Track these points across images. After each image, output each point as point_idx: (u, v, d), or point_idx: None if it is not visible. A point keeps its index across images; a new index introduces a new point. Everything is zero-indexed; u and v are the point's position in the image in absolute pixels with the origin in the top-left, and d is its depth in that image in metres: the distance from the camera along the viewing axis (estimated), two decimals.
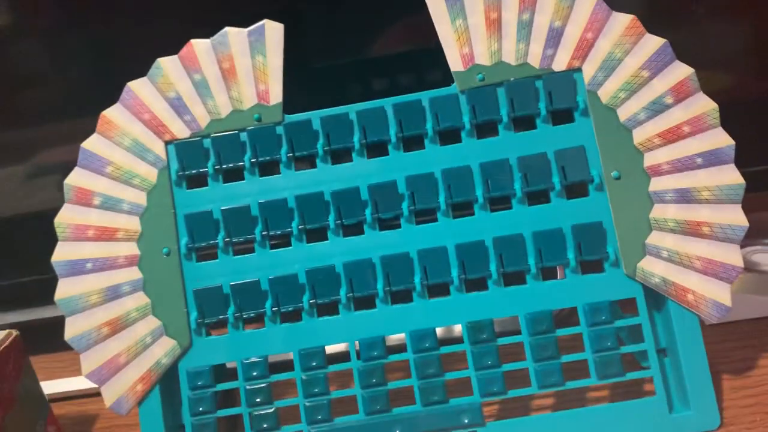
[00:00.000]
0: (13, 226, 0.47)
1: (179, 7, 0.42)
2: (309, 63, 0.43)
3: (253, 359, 0.34)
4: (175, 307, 0.35)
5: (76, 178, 0.35)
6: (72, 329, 0.35)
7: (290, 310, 0.34)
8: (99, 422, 0.42)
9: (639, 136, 0.33)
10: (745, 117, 0.38)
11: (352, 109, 0.35)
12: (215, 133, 0.35)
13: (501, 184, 0.34)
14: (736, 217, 0.33)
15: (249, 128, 0.35)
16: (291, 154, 0.35)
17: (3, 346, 0.35)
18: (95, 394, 0.44)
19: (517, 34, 0.34)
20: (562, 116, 0.34)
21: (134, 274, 0.35)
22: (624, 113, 0.33)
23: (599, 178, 0.33)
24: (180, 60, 0.35)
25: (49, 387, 0.43)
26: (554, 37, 0.34)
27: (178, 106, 0.35)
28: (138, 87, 0.35)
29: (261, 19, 0.35)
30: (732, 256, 0.33)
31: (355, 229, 0.35)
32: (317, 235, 0.35)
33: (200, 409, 0.34)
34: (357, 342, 0.34)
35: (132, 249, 0.35)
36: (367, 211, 0.34)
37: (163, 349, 0.34)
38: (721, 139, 0.33)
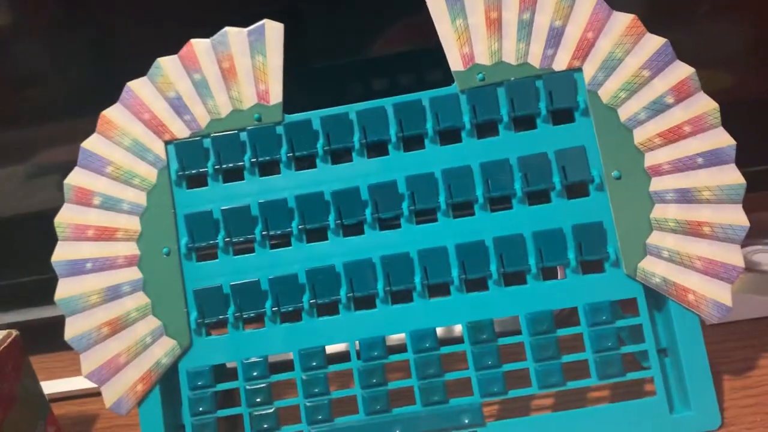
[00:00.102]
0: (13, 225, 0.47)
1: (178, 6, 0.42)
2: (309, 63, 0.43)
3: (253, 359, 0.34)
4: (175, 307, 0.34)
5: (76, 178, 0.35)
6: (72, 329, 0.35)
7: (290, 310, 0.34)
8: (99, 422, 0.42)
9: (640, 135, 0.33)
10: (746, 117, 0.38)
11: (352, 109, 0.35)
12: (215, 132, 0.35)
13: (501, 183, 0.34)
14: (737, 217, 0.33)
15: (249, 128, 0.35)
16: (291, 154, 0.35)
17: (3, 346, 0.35)
18: (95, 394, 0.44)
19: (517, 34, 0.34)
20: (562, 116, 0.34)
21: (134, 274, 0.35)
22: (624, 113, 0.33)
23: (600, 178, 0.33)
24: (180, 60, 0.35)
25: (49, 387, 0.43)
26: (555, 37, 0.34)
27: (178, 106, 0.35)
28: (138, 87, 0.35)
29: (260, 18, 0.35)
30: (733, 256, 0.32)
31: (356, 229, 0.35)
32: (317, 235, 0.35)
33: (200, 409, 0.34)
34: (357, 342, 0.34)
35: (132, 249, 0.35)
36: (368, 211, 0.34)
37: (163, 349, 0.34)
38: (722, 139, 0.33)
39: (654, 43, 0.33)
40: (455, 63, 0.34)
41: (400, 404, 0.34)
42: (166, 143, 0.35)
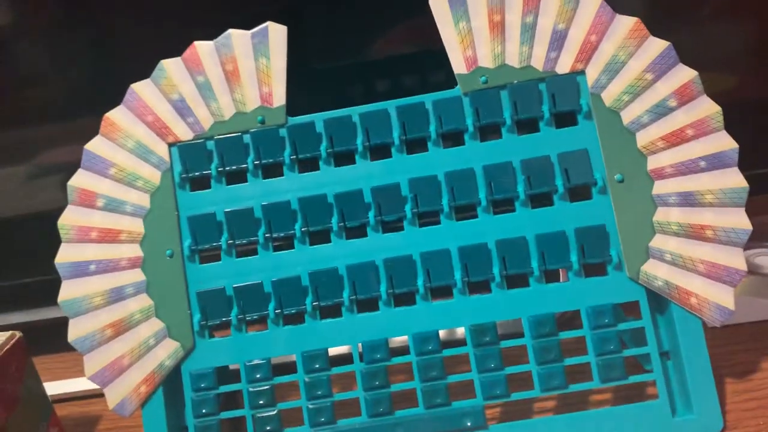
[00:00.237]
0: (16, 226, 0.47)
1: (180, 7, 0.42)
2: (310, 64, 0.43)
3: (256, 361, 0.34)
4: (178, 309, 0.35)
5: (79, 180, 0.35)
6: (75, 331, 0.35)
7: (293, 313, 0.34)
8: (102, 423, 0.42)
9: (642, 139, 0.33)
10: (749, 120, 0.38)
11: (355, 112, 0.35)
12: (218, 135, 0.35)
13: (504, 186, 0.34)
14: (739, 220, 0.33)
15: (252, 130, 0.35)
16: (294, 157, 0.35)
17: (6, 348, 0.35)
18: (98, 395, 0.44)
19: (520, 37, 0.34)
20: (565, 119, 0.34)
21: (137, 276, 0.35)
22: (627, 116, 0.33)
23: (602, 181, 0.33)
24: (183, 62, 0.35)
25: (52, 388, 0.43)
26: (558, 40, 0.34)
27: (182, 108, 0.35)
28: (141, 89, 0.35)
29: (262, 20, 0.35)
30: (735, 259, 0.33)
31: (358, 232, 0.35)
32: (320, 237, 0.35)
33: (203, 411, 0.34)
34: (360, 344, 0.34)
35: (135, 251, 0.35)
36: (370, 214, 0.34)
37: (167, 351, 0.34)
38: (724, 143, 0.33)
39: (657, 46, 0.33)
40: (458, 66, 0.34)
41: (403, 406, 0.34)
42: (170, 145, 0.35)
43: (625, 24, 0.33)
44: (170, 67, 0.35)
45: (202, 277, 0.35)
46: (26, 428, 0.36)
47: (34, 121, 0.45)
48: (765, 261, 0.44)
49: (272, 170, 0.35)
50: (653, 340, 0.33)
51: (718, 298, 0.33)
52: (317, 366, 0.34)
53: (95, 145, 0.36)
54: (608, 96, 0.34)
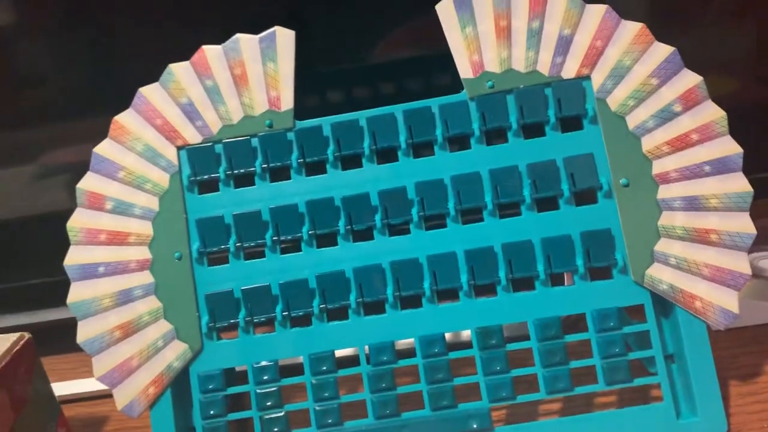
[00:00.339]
0: (21, 228, 0.48)
1: (185, 8, 0.42)
2: (315, 68, 0.43)
3: (264, 363, 0.35)
4: (186, 311, 0.35)
5: (88, 183, 0.36)
6: (84, 332, 0.35)
7: (300, 315, 0.35)
8: (109, 424, 0.42)
9: (648, 143, 0.34)
10: (754, 124, 0.39)
11: (362, 116, 0.35)
12: (227, 138, 0.35)
13: (510, 190, 0.34)
14: (743, 224, 0.33)
15: (260, 134, 0.35)
16: (302, 160, 0.35)
17: (15, 349, 0.35)
18: (104, 396, 0.44)
19: (526, 42, 0.34)
20: (571, 124, 0.34)
21: (146, 278, 0.35)
22: (633, 121, 0.34)
23: (608, 186, 0.34)
24: (192, 66, 0.36)
25: (58, 389, 0.44)
26: (563, 45, 0.34)
27: (190, 112, 0.35)
28: (150, 93, 0.36)
29: (266, 22, 0.35)
30: (739, 263, 0.33)
31: (365, 235, 0.35)
32: (327, 240, 0.35)
33: (211, 412, 0.34)
34: (367, 347, 0.34)
35: (144, 253, 0.35)
36: (377, 217, 0.34)
37: (175, 353, 0.35)
38: (729, 147, 0.33)
39: (662, 51, 0.33)
40: (465, 70, 0.35)
41: (409, 408, 0.34)
42: (178, 149, 0.36)
43: (631, 29, 0.34)
44: (179, 71, 0.36)
45: (210, 279, 0.35)
46: (35, 428, 0.36)
47: (38, 121, 0.45)
48: None
49: (280, 173, 0.35)
50: (658, 343, 0.34)
51: (723, 302, 0.33)
52: (324, 368, 0.34)
53: (104, 148, 0.36)
54: (614, 101, 0.34)
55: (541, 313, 0.34)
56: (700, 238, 0.33)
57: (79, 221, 0.36)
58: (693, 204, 0.33)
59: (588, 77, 0.34)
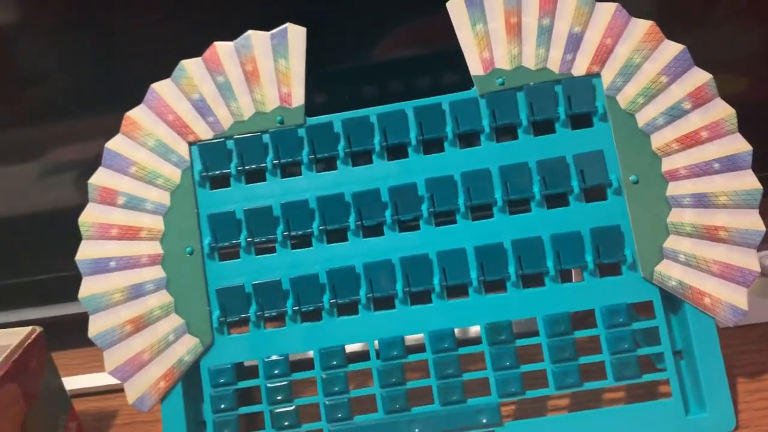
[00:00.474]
0: (30, 223, 0.48)
1: (197, 4, 0.42)
2: (325, 65, 0.43)
3: (275, 357, 0.35)
4: (197, 306, 0.35)
5: (100, 178, 0.36)
6: (96, 327, 0.35)
7: (311, 310, 0.35)
8: (119, 418, 0.43)
9: (657, 141, 0.34)
10: (763, 122, 0.39)
11: (372, 112, 0.35)
12: (238, 134, 0.36)
13: (520, 187, 0.34)
14: (753, 221, 0.33)
15: (271, 130, 0.35)
16: (312, 156, 0.35)
17: (27, 343, 0.36)
18: (114, 390, 0.45)
19: (536, 39, 0.34)
20: (581, 121, 0.34)
21: (158, 272, 0.35)
22: (642, 118, 0.34)
23: (617, 182, 0.34)
24: (203, 62, 0.36)
25: (68, 383, 0.44)
26: (574, 43, 0.34)
27: (202, 108, 0.36)
28: (162, 88, 0.36)
29: (277, 21, 0.35)
30: (749, 260, 0.33)
31: (375, 231, 0.35)
32: (338, 235, 0.35)
33: (222, 406, 0.35)
34: (376, 342, 0.35)
35: (155, 248, 0.35)
36: (387, 213, 0.35)
37: (186, 347, 0.35)
38: (738, 145, 0.33)
39: (672, 49, 0.34)
40: (475, 67, 0.35)
41: (419, 403, 0.34)
42: (190, 144, 0.36)
43: (641, 27, 0.34)
44: (191, 67, 0.36)
45: (221, 274, 0.35)
46: (46, 422, 0.36)
47: (49, 118, 0.45)
48: None
49: (291, 169, 0.36)
50: (667, 340, 0.34)
51: (732, 299, 0.33)
52: (334, 363, 0.34)
53: (116, 144, 0.36)
54: (623, 98, 0.34)
55: (550, 309, 0.34)
56: (709, 235, 0.33)
57: (91, 216, 0.36)
58: (702, 201, 0.33)
59: (598, 75, 0.34)
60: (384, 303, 0.35)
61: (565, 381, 0.33)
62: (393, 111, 0.35)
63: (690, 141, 0.33)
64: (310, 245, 0.35)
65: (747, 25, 0.42)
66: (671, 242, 0.34)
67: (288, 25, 0.35)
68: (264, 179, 0.35)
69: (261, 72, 0.35)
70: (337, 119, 0.35)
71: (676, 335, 0.35)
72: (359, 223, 0.35)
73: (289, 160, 0.35)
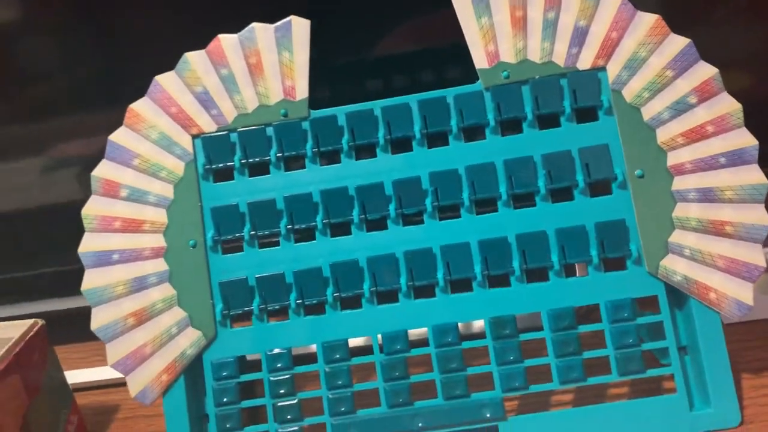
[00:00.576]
0: (33, 217, 0.48)
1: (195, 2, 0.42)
2: (329, 58, 0.43)
3: (277, 351, 0.35)
4: (200, 299, 0.35)
5: (103, 171, 0.36)
6: (98, 319, 0.35)
7: (314, 303, 0.35)
8: (121, 412, 0.42)
9: (663, 135, 0.34)
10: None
11: (377, 105, 0.35)
12: (242, 127, 0.35)
13: (525, 181, 0.34)
14: (758, 216, 0.33)
15: (275, 123, 0.35)
16: (316, 149, 0.35)
17: (29, 335, 0.36)
18: (116, 384, 0.45)
19: (542, 33, 0.34)
20: (586, 114, 0.34)
21: (160, 265, 0.35)
22: (648, 112, 0.34)
23: (623, 177, 0.34)
24: (207, 54, 0.36)
25: (70, 377, 0.44)
26: (579, 36, 0.34)
27: (205, 101, 0.36)
28: (165, 81, 0.36)
29: (281, 13, 0.35)
30: (754, 255, 0.33)
31: (379, 224, 0.35)
32: (341, 229, 0.35)
33: (224, 399, 0.35)
34: (380, 335, 0.34)
35: (158, 241, 0.35)
36: (391, 207, 0.34)
37: (189, 340, 0.35)
38: (744, 139, 0.33)
39: (678, 43, 0.33)
40: (480, 61, 0.35)
41: (422, 398, 0.34)
42: (194, 137, 0.36)
43: (646, 21, 0.34)
44: (194, 59, 0.36)
45: (224, 267, 0.35)
46: (48, 415, 0.36)
47: (52, 113, 0.45)
48: None
49: (294, 163, 0.35)
50: (671, 335, 0.34)
51: (737, 294, 0.33)
52: (337, 356, 0.34)
53: (119, 136, 0.36)
54: (629, 92, 0.34)
55: (554, 304, 0.34)
56: (714, 229, 0.33)
57: (93, 208, 0.36)
58: (708, 195, 0.33)
59: (603, 68, 0.34)
60: (387, 297, 0.35)
61: (569, 376, 0.33)
62: (397, 104, 0.35)
63: (696, 135, 0.33)
64: (314, 239, 0.35)
65: (753, 18, 0.42)
66: (676, 237, 0.33)
67: (292, 17, 0.35)
68: (267, 172, 0.35)
69: (265, 65, 0.35)
70: (341, 112, 0.35)
71: (681, 330, 0.35)
72: (363, 216, 0.35)
73: (293, 153, 0.35)
